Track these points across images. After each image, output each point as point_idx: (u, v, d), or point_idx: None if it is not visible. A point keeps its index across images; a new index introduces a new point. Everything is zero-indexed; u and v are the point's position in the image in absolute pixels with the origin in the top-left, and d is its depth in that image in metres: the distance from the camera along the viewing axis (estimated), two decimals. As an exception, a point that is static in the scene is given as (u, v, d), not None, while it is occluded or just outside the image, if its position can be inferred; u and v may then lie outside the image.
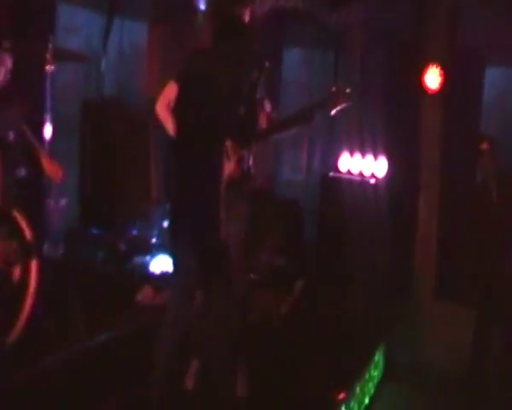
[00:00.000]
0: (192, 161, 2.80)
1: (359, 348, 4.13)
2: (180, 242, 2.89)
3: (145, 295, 4.03)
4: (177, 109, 2.93)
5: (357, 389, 3.76)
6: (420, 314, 5.02)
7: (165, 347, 2.93)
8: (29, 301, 2.96)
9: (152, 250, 4.44)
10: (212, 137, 2.82)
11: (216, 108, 2.82)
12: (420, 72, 5.04)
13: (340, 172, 5.62)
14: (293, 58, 6.20)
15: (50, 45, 3.64)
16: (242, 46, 2.96)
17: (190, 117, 2.85)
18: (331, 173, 5.66)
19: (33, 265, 2.99)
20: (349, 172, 5.60)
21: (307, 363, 3.77)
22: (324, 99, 2.99)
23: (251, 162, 2.98)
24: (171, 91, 2.97)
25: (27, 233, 3.02)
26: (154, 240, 4.57)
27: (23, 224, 3.03)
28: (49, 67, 3.67)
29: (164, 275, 4.27)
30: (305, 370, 3.68)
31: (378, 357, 4.32)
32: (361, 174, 5.54)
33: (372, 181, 5.46)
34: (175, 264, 2.99)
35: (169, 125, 3.02)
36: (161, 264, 4.34)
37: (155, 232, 4.54)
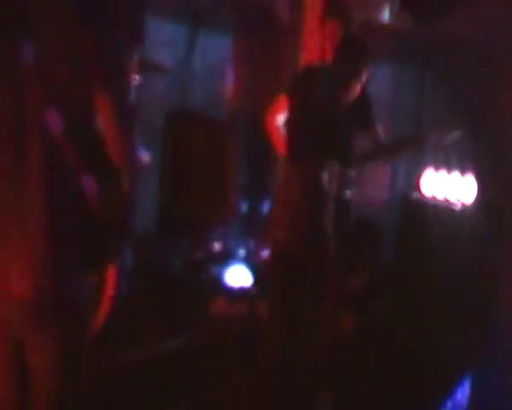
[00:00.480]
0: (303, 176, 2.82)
1: (440, 383, 3.90)
2: None
3: (218, 305, 4.01)
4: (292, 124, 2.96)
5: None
6: (507, 346, 4.72)
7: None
8: (105, 307, 3.00)
9: (228, 261, 4.42)
10: (324, 154, 2.86)
11: (330, 127, 2.87)
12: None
13: (423, 194, 5.42)
14: (379, 74, 6.07)
15: (135, 56, 3.71)
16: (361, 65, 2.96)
17: (304, 133, 2.88)
18: (414, 194, 5.47)
19: (111, 270, 3.02)
20: (433, 196, 5.39)
21: (383, 394, 3.59)
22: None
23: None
24: (281, 105, 3.10)
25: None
26: (231, 251, 4.56)
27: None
28: (133, 78, 3.74)
29: (238, 287, 4.24)
30: (381, 402, 3.51)
31: (461, 393, 4.07)
32: (446, 199, 5.31)
33: (458, 206, 5.22)
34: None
35: (276, 137, 3.16)
36: (237, 275, 4.31)
37: (233, 243, 4.53)
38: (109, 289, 3.06)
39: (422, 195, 5.42)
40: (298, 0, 5.29)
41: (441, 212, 5.21)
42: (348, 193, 3.12)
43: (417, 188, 5.47)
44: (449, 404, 3.77)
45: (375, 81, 5.94)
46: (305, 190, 2.83)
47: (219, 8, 5.17)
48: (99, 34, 1.64)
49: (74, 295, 1.72)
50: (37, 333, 1.68)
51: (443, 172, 5.35)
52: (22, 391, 1.77)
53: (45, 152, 1.59)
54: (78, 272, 1.73)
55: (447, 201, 5.26)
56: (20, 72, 1.56)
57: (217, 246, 4.50)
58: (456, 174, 5.28)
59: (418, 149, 3.22)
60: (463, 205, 5.18)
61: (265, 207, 4.63)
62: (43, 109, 1.56)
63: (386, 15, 5.41)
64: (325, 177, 2.87)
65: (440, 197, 5.32)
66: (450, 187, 5.28)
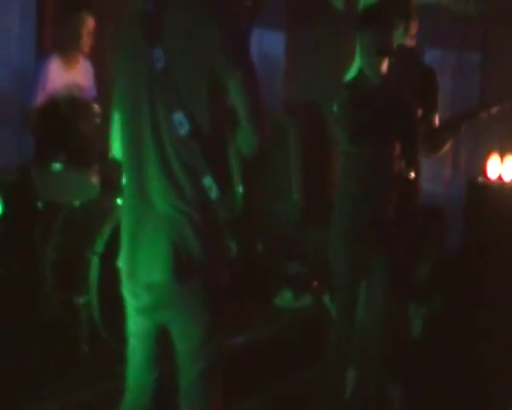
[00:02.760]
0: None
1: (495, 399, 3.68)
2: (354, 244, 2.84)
3: (283, 298, 4.02)
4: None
5: None
6: None
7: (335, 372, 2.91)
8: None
9: (291, 253, 4.41)
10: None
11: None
12: None
13: (488, 178, 5.28)
14: (434, 60, 5.93)
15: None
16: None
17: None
18: (479, 179, 5.33)
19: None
20: (500, 178, 5.24)
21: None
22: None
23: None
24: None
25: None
26: (293, 242, 4.53)
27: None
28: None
29: (303, 279, 4.23)
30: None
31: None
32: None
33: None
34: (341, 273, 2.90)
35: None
36: (301, 268, 4.31)
37: (295, 235, 4.51)
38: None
39: (488, 179, 5.28)
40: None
41: (508, 196, 5.05)
42: (413, 174, 3.05)
43: (482, 172, 5.33)
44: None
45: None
46: (368, 176, 2.79)
47: (273, 2, 5.18)
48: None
49: (216, 288, 1.81)
50: (183, 319, 1.82)
51: (509, 159, 5.19)
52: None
53: (173, 150, 1.72)
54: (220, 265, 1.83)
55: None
56: (151, 75, 1.71)
57: (279, 238, 4.50)
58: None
59: (480, 116, 3.11)
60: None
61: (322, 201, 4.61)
62: (171, 111, 1.69)
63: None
64: (389, 160, 2.83)
65: (507, 182, 5.17)
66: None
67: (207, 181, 1.72)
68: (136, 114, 1.77)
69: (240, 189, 1.86)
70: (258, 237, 4.39)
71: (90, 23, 3.60)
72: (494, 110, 3.06)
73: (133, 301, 1.88)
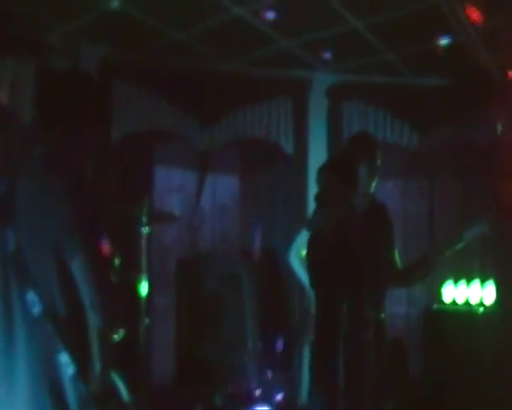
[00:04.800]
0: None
1: None
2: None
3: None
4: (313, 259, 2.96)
5: None
6: None
7: None
8: None
9: (251, 404, 4.34)
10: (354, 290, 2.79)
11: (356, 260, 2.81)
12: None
13: (444, 302, 5.34)
14: (384, 191, 6.15)
15: (145, 209, 3.82)
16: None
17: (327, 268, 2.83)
18: (435, 305, 5.38)
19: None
20: (454, 302, 5.31)
21: None
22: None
23: None
24: (302, 240, 3.12)
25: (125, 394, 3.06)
26: (255, 392, 4.48)
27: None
28: (144, 229, 3.83)
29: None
30: None
31: None
32: (467, 303, 5.22)
33: (480, 310, 5.11)
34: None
35: (301, 272, 3.22)
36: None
37: (254, 385, 4.45)
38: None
39: (444, 305, 5.33)
40: (302, 133, 5.48)
41: (463, 322, 5.08)
42: (383, 316, 3.03)
43: (438, 299, 5.39)
44: None
45: (381, 197, 6.02)
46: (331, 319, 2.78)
47: (225, 150, 5.39)
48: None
49: None
50: None
51: (462, 284, 5.29)
52: None
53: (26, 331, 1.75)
54: None
55: (469, 307, 5.16)
56: (4, 256, 1.76)
57: (237, 389, 4.44)
58: (476, 285, 5.21)
59: (436, 267, 3.14)
60: (485, 310, 5.06)
61: (280, 344, 4.61)
62: (24, 291, 1.72)
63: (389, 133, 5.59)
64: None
65: (462, 306, 5.23)
66: (471, 295, 5.20)
67: (63, 358, 1.70)
68: None
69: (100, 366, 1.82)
70: (217, 389, 4.33)
71: None
72: (459, 246, 3.09)
73: None
